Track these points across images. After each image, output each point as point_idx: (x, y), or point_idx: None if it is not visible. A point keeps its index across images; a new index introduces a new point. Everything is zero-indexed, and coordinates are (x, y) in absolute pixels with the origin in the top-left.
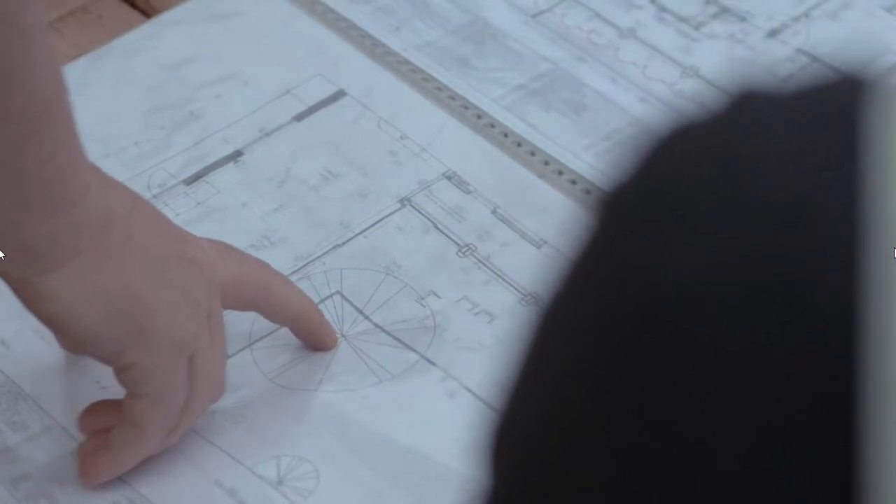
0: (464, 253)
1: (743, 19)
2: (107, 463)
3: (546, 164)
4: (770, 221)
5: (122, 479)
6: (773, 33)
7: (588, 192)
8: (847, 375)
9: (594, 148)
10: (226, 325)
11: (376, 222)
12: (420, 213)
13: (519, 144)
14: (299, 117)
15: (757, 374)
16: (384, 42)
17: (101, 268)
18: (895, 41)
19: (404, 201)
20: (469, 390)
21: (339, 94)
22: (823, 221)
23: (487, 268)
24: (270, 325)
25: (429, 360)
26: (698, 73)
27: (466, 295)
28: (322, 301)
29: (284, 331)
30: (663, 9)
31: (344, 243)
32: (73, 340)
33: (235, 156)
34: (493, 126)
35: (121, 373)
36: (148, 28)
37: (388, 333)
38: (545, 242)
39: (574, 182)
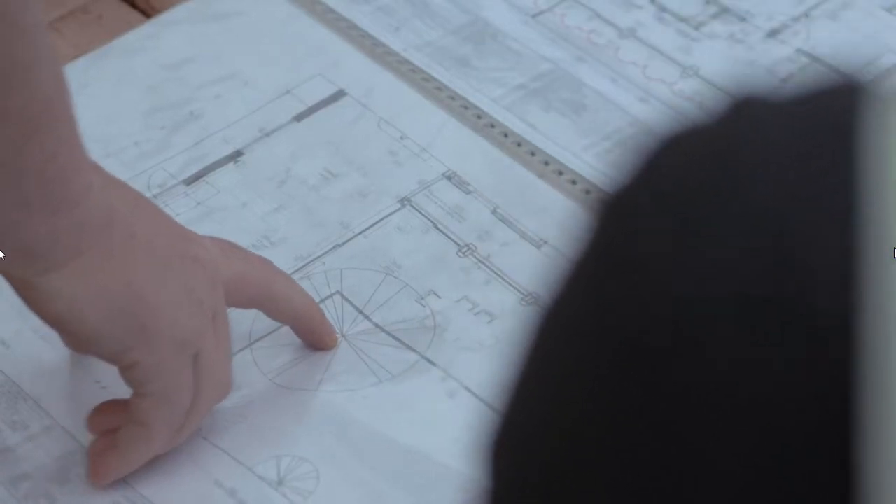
0: (464, 253)
1: (743, 19)
2: (114, 463)
3: (546, 164)
4: (769, 227)
5: (122, 479)
6: (773, 33)
7: (588, 192)
8: (846, 378)
9: (594, 148)
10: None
11: (376, 222)
12: (420, 213)
13: (519, 144)
14: (299, 117)
15: (757, 377)
16: (384, 42)
17: (103, 267)
18: (895, 41)
19: (404, 201)
20: (469, 390)
21: (339, 94)
22: (822, 227)
23: (487, 268)
24: (270, 325)
25: (429, 360)
26: (698, 73)
27: (466, 295)
28: (322, 301)
29: (284, 331)
30: (663, 9)
31: (344, 243)
32: (77, 340)
33: (235, 156)
34: (493, 126)
35: (125, 372)
36: (148, 28)
37: (388, 333)
38: (545, 242)
39: (574, 182)
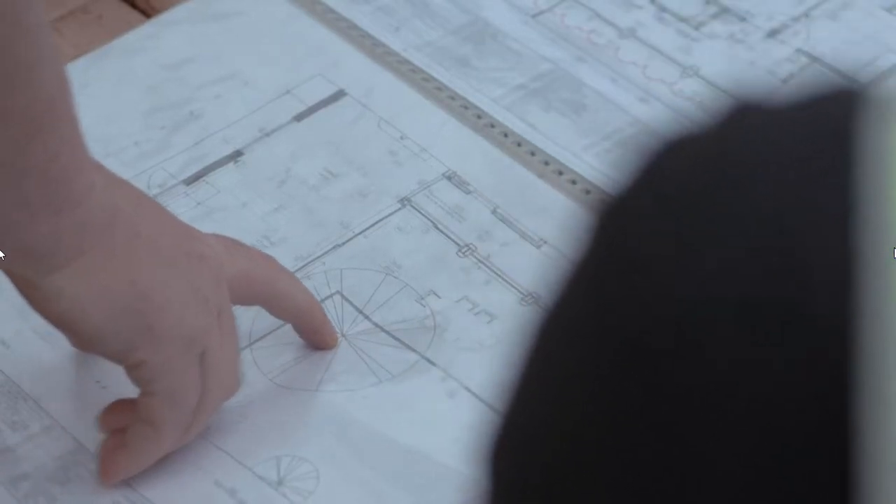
0: (464, 253)
1: (743, 19)
2: (123, 462)
3: (546, 164)
4: (770, 229)
5: (122, 479)
6: (773, 33)
7: (588, 192)
8: (845, 379)
9: (594, 148)
10: None
11: (376, 222)
12: (420, 213)
13: (519, 144)
14: (299, 117)
15: (757, 377)
16: (384, 42)
17: (106, 266)
18: (895, 41)
19: (404, 201)
20: (469, 390)
21: (339, 94)
22: (822, 229)
23: (487, 268)
24: (270, 325)
25: (429, 360)
26: (698, 73)
27: (466, 295)
28: (322, 301)
29: (284, 331)
30: (663, 9)
31: (344, 243)
32: (81, 340)
33: (235, 156)
34: (493, 126)
35: (131, 371)
36: (148, 28)
37: (389, 333)
38: (545, 242)
39: (574, 182)
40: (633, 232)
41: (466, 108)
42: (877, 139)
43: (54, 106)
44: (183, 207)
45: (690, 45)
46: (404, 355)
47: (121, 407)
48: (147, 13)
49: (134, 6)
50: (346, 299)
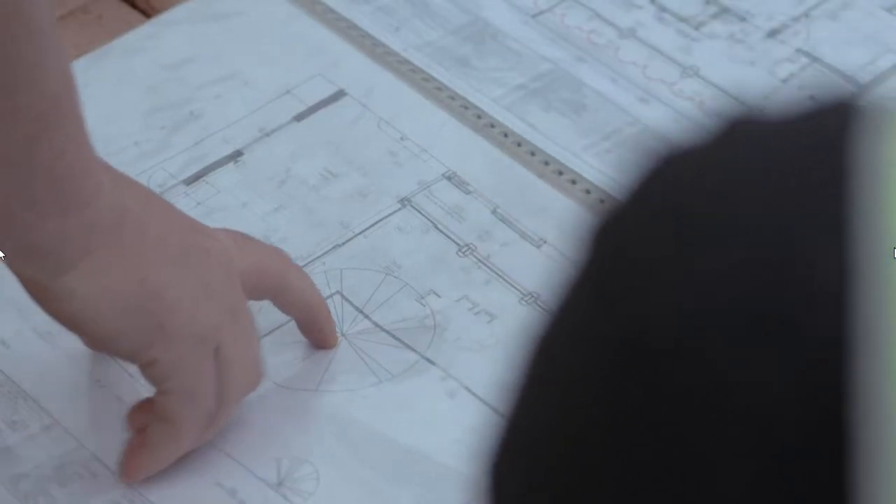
0: (464, 253)
1: (743, 19)
2: (144, 461)
3: (546, 164)
4: (766, 242)
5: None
6: (773, 33)
7: (588, 192)
8: (843, 383)
9: (594, 148)
10: None
11: (376, 222)
12: (420, 213)
13: (519, 144)
14: (299, 117)
15: (756, 380)
16: (384, 42)
17: (115, 266)
18: (895, 41)
19: (404, 201)
20: (469, 390)
21: (339, 94)
22: (818, 242)
23: (487, 268)
24: (270, 325)
25: (429, 360)
26: (698, 73)
27: (466, 295)
28: None
29: (283, 331)
30: (663, 9)
31: (344, 243)
32: (93, 340)
33: (235, 156)
34: (493, 126)
35: (145, 370)
36: (148, 28)
37: (389, 333)
38: (545, 242)
39: (574, 182)
40: (634, 241)
41: (466, 108)
42: (873, 151)
43: (60, 105)
44: (183, 207)
45: (690, 45)
46: (404, 355)
47: (147, 406)
48: (147, 13)
49: (134, 6)
50: (346, 299)
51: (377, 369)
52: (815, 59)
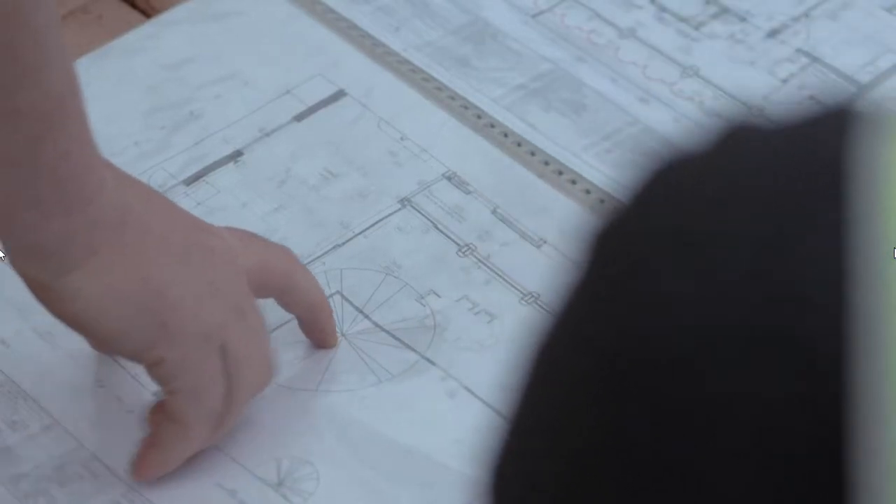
0: (464, 253)
1: (743, 19)
2: (154, 460)
3: (546, 164)
4: (762, 259)
5: (121, 479)
6: (773, 33)
7: (588, 191)
8: (842, 403)
9: (594, 148)
10: None
11: (376, 222)
12: (420, 213)
13: (519, 144)
14: (299, 117)
15: (755, 402)
16: (384, 42)
17: (118, 265)
18: (895, 41)
19: (404, 201)
20: (469, 390)
21: (339, 94)
22: (814, 256)
23: (487, 267)
24: (270, 325)
25: (429, 360)
26: (698, 73)
27: (466, 295)
28: None
29: (283, 331)
30: (663, 9)
31: (344, 243)
32: (98, 340)
33: (235, 156)
34: (493, 126)
35: (151, 369)
36: (148, 28)
37: (389, 333)
38: (545, 242)
39: (574, 182)
40: (633, 250)
41: (466, 108)
42: (872, 157)
43: (64, 104)
44: (183, 207)
45: (690, 45)
46: (404, 355)
47: (162, 406)
48: (147, 13)
49: (134, 6)
50: (346, 299)
51: (377, 369)
52: (815, 59)
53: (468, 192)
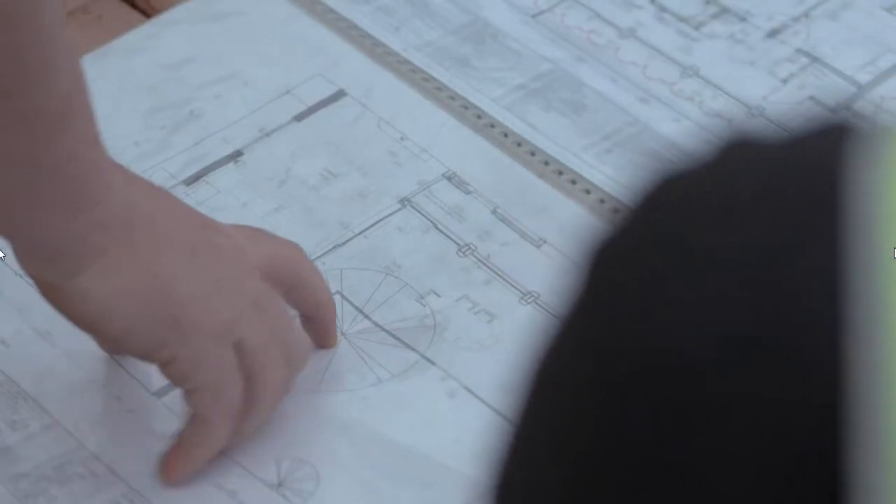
0: (464, 253)
1: (743, 19)
2: (179, 460)
3: (546, 164)
4: (759, 273)
5: (122, 479)
6: (773, 33)
7: (588, 191)
8: (837, 413)
9: (594, 148)
10: None
11: (376, 222)
12: (420, 213)
13: (519, 144)
14: (299, 117)
15: (752, 407)
16: (384, 42)
17: (128, 264)
18: (895, 41)
19: (404, 202)
20: (469, 390)
21: (339, 94)
22: (810, 271)
23: (487, 267)
24: None
25: (429, 360)
26: (698, 73)
27: (466, 294)
28: None
29: None
30: (663, 9)
31: (344, 243)
32: (109, 340)
33: (235, 156)
34: (493, 126)
35: (165, 369)
36: (148, 28)
37: (389, 332)
38: (545, 242)
39: (574, 182)
40: (633, 265)
41: (466, 108)
42: (868, 172)
43: (71, 105)
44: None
45: (690, 45)
46: (404, 355)
47: None
48: (147, 13)
49: (134, 6)
50: (346, 299)
51: (377, 369)
52: (815, 59)
53: (468, 192)
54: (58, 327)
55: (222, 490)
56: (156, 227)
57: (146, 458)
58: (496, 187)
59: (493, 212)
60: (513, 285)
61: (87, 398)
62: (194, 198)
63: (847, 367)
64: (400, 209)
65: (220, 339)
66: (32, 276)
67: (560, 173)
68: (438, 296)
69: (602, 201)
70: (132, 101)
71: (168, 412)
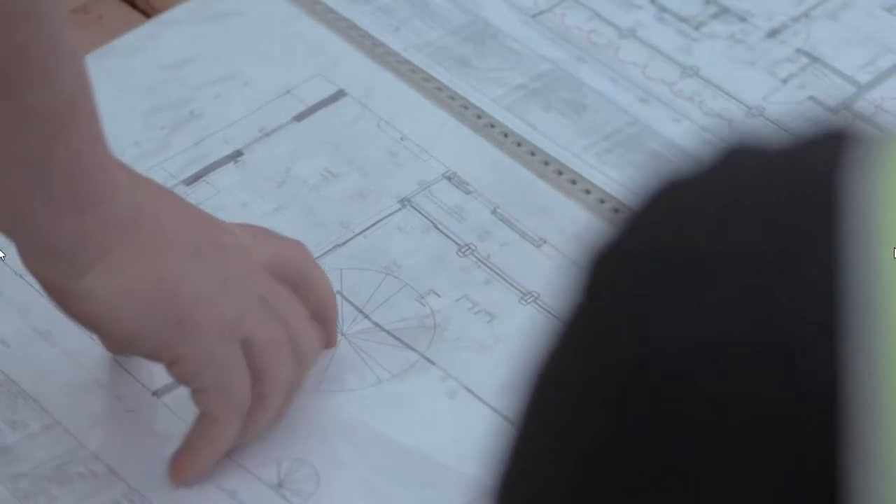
0: (464, 253)
1: (743, 19)
2: (188, 460)
3: (546, 164)
4: (758, 281)
5: (122, 479)
6: (773, 33)
7: (588, 191)
8: (835, 421)
9: (594, 148)
10: None
11: (376, 222)
12: (420, 213)
13: (519, 144)
14: (299, 117)
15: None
16: (384, 42)
17: (131, 265)
18: (895, 41)
19: (404, 202)
20: (469, 390)
21: (339, 94)
22: (809, 278)
23: (487, 267)
24: None
25: (429, 360)
26: (698, 73)
27: (466, 294)
28: None
29: None
30: (663, 9)
31: (344, 243)
32: (115, 340)
33: (235, 156)
34: (493, 126)
35: (171, 368)
36: (148, 28)
37: (388, 332)
38: (545, 242)
39: (574, 182)
40: (634, 271)
41: (466, 108)
42: (865, 180)
43: (76, 104)
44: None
45: (690, 45)
46: (404, 355)
47: None
48: (147, 13)
49: (134, 6)
50: (346, 299)
51: (377, 369)
52: (815, 59)
53: (468, 192)
54: (58, 327)
55: (222, 490)
56: (161, 226)
57: (146, 458)
58: (496, 187)
59: (493, 212)
60: (513, 285)
61: (88, 398)
62: (194, 198)
63: (846, 369)
64: (400, 209)
65: (227, 337)
66: (37, 276)
67: (560, 173)
68: (438, 296)
69: (602, 201)
70: (132, 101)
71: (168, 412)
